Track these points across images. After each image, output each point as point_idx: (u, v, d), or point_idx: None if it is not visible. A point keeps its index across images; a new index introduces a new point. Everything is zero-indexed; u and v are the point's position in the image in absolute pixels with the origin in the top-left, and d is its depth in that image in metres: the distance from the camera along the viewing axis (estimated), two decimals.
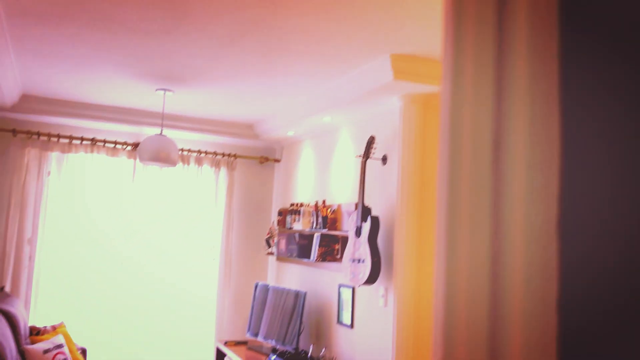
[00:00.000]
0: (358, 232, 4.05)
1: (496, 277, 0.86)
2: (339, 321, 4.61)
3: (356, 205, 4.41)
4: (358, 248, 4.04)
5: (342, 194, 4.79)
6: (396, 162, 3.97)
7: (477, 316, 0.87)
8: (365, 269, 3.92)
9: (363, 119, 4.55)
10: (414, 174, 3.88)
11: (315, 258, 4.80)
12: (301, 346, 5.04)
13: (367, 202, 4.12)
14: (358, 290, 4.39)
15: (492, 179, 0.88)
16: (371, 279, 3.91)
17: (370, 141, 4.07)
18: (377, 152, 4.17)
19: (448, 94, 0.97)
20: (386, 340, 3.95)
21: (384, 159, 4.15)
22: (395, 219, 3.91)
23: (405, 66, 3.56)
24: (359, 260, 4.01)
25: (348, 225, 4.36)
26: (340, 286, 4.64)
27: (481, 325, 0.87)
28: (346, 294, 4.54)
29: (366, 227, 3.98)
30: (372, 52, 3.52)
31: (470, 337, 0.88)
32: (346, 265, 4.16)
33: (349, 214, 4.53)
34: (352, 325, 4.42)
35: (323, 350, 4.38)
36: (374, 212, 4.10)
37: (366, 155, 4.09)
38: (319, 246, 4.79)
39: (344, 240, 4.54)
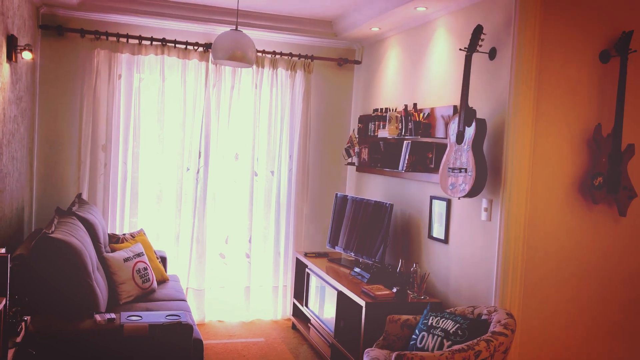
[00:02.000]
0: (459, 138, 3.56)
1: None
2: (430, 235, 4.23)
3: (456, 107, 3.90)
4: (459, 156, 3.57)
5: (437, 97, 4.26)
6: (508, 56, 3.38)
7: None
8: (468, 179, 3.46)
9: (465, 6, 3.92)
10: (530, 69, 3.30)
11: (404, 167, 4.37)
12: (386, 260, 4.74)
13: (470, 104, 3.59)
14: (454, 203, 3.96)
15: None
16: (474, 191, 3.46)
17: (477, 31, 3.48)
18: (483, 46, 3.59)
19: None
20: (489, 258, 3.55)
21: (492, 53, 3.57)
22: (505, 123, 3.39)
23: None
24: (460, 170, 3.55)
25: (446, 131, 3.87)
26: (432, 198, 4.22)
27: None
28: (439, 206, 4.13)
29: (470, 132, 3.48)
30: None
31: None
32: (443, 176, 3.72)
33: (445, 119, 4.03)
34: (446, 241, 4.03)
35: (414, 265, 4.04)
36: (479, 115, 3.58)
37: (472, 48, 3.51)
38: (409, 154, 4.34)
39: (439, 147, 4.07)
